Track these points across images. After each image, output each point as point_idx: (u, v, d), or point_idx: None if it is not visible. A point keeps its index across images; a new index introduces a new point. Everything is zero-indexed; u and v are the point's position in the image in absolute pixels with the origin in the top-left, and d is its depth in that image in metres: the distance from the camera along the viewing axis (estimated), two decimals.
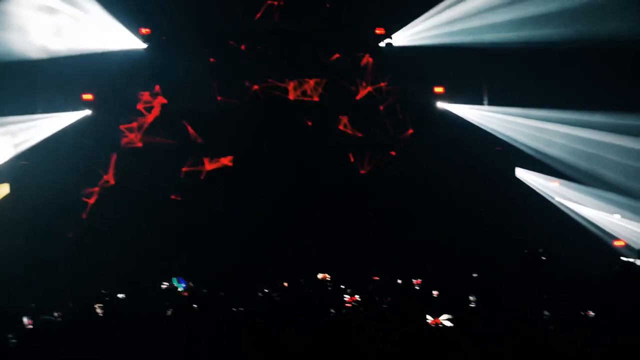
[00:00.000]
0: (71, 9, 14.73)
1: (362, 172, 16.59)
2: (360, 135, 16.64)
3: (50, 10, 14.56)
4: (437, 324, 5.57)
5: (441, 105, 16.32)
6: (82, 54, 14.90)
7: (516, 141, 15.44)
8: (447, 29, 15.28)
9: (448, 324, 5.60)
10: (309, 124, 16.57)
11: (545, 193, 15.95)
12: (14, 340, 7.61)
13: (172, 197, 15.97)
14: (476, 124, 15.88)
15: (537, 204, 15.77)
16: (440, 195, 15.79)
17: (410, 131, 16.43)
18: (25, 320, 8.66)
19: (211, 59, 16.36)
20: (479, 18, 14.87)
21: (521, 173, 16.08)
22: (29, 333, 8.04)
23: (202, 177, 16.27)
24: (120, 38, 15.54)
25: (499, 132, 15.66)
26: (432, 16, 15.42)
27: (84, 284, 12.82)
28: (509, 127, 15.54)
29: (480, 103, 16.15)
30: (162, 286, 10.51)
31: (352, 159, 16.58)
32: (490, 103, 16.00)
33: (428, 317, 5.59)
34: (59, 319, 8.48)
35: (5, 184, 14.86)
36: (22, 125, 14.96)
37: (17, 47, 13.96)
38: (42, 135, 15.18)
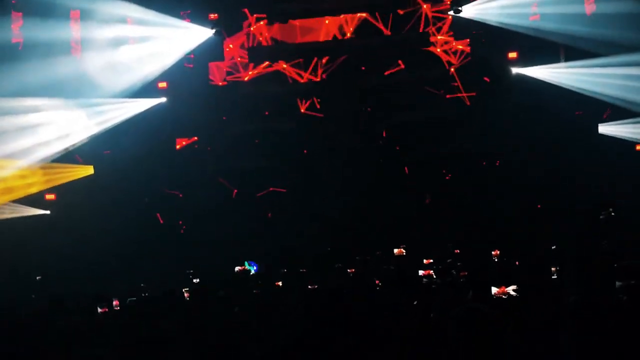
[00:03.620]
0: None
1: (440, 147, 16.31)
2: (436, 110, 16.35)
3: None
4: (502, 294, 5.38)
5: (516, 70, 15.77)
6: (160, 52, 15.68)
7: (599, 93, 14.57)
8: (520, 10, 14.81)
9: (514, 294, 5.41)
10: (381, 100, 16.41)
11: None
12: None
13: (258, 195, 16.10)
14: (555, 83, 15.16)
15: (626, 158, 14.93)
16: (529, 161, 15.28)
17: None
18: (114, 302, 8.99)
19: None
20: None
21: (605, 128, 15.25)
22: (117, 313, 8.37)
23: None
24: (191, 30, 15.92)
25: (581, 88, 14.82)
26: None
27: (164, 267, 13.23)
28: (591, 81, 14.67)
29: (557, 61, 15.45)
30: (236, 269, 10.71)
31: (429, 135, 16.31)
32: (568, 59, 15.25)
33: (494, 288, 5.40)
34: (145, 302, 8.73)
35: (90, 165, 15.87)
36: (104, 107, 15.61)
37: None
38: (121, 118, 15.74)
